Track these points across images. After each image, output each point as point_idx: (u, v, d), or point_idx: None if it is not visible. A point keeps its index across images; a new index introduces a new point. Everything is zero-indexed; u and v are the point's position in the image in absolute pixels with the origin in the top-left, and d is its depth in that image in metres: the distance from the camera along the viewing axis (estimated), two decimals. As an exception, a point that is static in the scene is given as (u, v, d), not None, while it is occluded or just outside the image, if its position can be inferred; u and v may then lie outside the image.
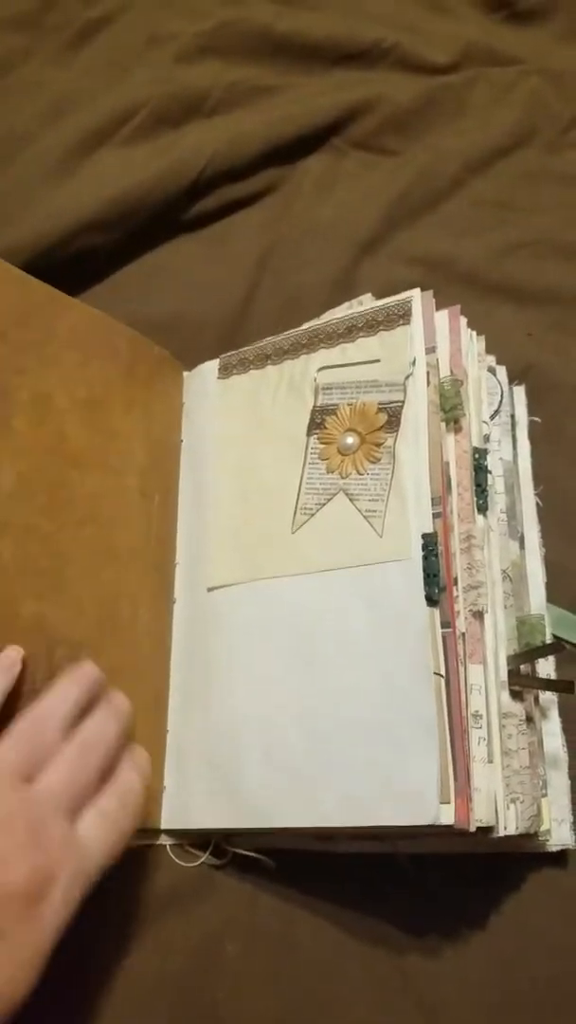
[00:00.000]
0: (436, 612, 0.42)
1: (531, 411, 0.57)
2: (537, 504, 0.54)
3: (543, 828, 0.45)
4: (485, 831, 0.40)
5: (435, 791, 0.39)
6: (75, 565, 0.45)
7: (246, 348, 0.53)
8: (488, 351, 0.52)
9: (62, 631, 0.43)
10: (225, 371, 0.54)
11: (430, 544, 0.43)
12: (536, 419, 0.56)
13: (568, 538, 0.54)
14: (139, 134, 0.63)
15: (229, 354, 0.54)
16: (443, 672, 0.41)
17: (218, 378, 0.54)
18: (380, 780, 0.41)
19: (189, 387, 0.56)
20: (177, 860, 0.48)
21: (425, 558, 0.43)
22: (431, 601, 0.42)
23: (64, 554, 0.44)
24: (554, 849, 0.46)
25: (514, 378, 0.56)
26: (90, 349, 0.48)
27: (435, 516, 0.44)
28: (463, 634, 0.43)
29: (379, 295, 0.60)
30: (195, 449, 0.54)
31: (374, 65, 0.69)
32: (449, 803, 0.39)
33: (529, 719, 0.46)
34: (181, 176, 0.61)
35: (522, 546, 0.51)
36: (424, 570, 0.42)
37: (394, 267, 0.62)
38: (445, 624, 0.42)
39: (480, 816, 0.40)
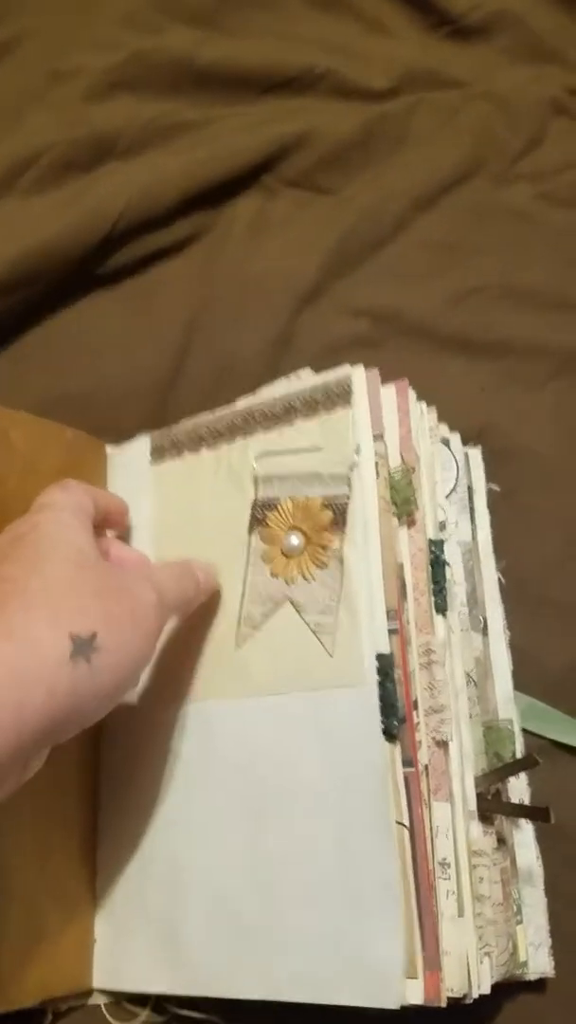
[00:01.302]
0: (396, 748, 0.37)
1: (488, 476, 0.52)
2: (499, 581, 0.49)
3: (520, 961, 0.41)
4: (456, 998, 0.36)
5: (400, 968, 0.34)
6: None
7: (177, 428, 0.47)
8: (440, 412, 0.47)
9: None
10: (158, 454, 0.48)
11: (386, 667, 0.38)
12: (494, 487, 0.51)
13: (532, 620, 0.49)
14: (43, 182, 0.56)
15: (161, 433, 0.48)
16: (406, 821, 0.36)
17: (151, 463, 0.48)
18: (337, 952, 0.35)
19: (114, 466, 0.50)
20: (113, 1021, 0.42)
21: (381, 684, 0.37)
22: (389, 736, 0.37)
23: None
24: (532, 979, 0.42)
25: (468, 439, 0.51)
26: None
27: (391, 632, 0.39)
28: (426, 767, 0.38)
29: (322, 353, 0.55)
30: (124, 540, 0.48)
31: (306, 93, 0.63)
32: (417, 978, 0.34)
33: (501, 840, 0.41)
34: (94, 227, 0.54)
35: (485, 633, 0.47)
36: (380, 699, 0.37)
37: (337, 321, 0.57)
38: (407, 762, 0.37)
39: (451, 985, 0.35)
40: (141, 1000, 0.42)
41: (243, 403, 0.46)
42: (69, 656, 0.29)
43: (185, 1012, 0.42)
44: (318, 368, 0.52)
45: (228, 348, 0.55)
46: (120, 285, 0.58)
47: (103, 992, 0.42)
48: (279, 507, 0.43)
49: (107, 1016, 0.42)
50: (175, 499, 0.46)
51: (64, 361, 0.55)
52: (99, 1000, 0.42)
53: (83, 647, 0.30)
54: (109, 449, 0.50)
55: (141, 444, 0.49)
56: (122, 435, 0.50)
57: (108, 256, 0.57)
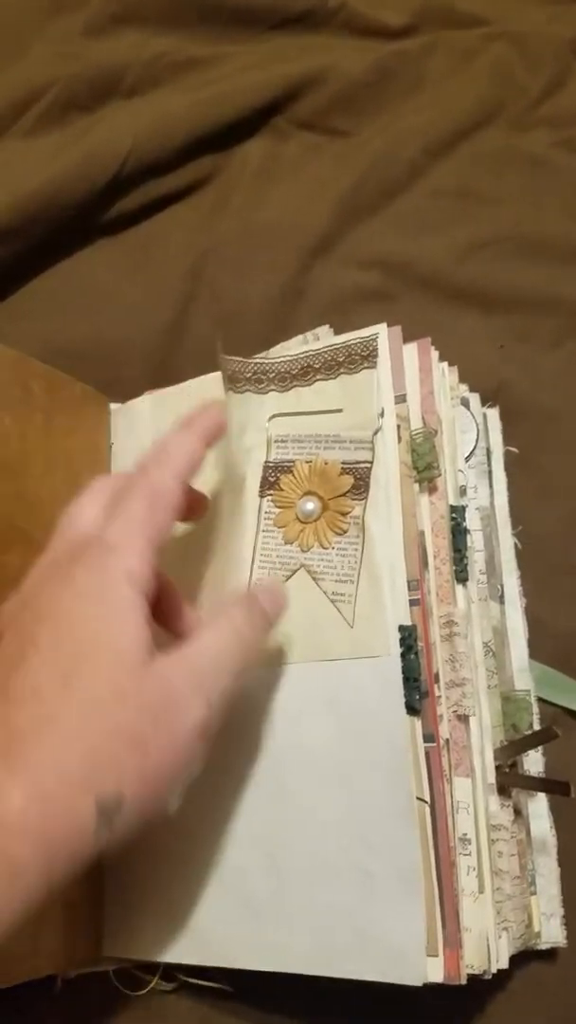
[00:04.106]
0: (418, 723, 0.36)
1: (505, 438, 0.50)
2: (515, 546, 0.48)
3: (534, 932, 0.40)
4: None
5: (421, 946, 0.33)
6: None
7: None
8: (458, 370, 0.45)
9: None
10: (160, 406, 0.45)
11: (409, 640, 0.36)
12: (513, 449, 0.50)
13: (546, 587, 0.48)
14: (44, 123, 0.53)
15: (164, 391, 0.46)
16: (428, 797, 0.35)
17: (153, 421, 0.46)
18: (352, 928, 0.35)
19: (117, 425, 0.48)
20: (122, 988, 0.42)
21: (404, 657, 0.36)
22: (412, 710, 0.36)
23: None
24: (544, 948, 0.41)
25: (486, 399, 0.50)
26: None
27: (413, 603, 0.37)
28: (447, 741, 0.37)
29: (332, 305, 0.53)
30: None
31: (319, 29, 0.60)
32: (437, 956, 0.34)
33: (517, 812, 0.41)
34: (97, 170, 0.52)
35: (501, 601, 0.46)
36: (403, 672, 0.36)
37: (347, 272, 0.54)
38: (428, 737, 0.36)
39: (471, 962, 0.34)
40: (150, 967, 0.42)
41: (256, 359, 0.44)
42: (94, 830, 0.27)
43: (194, 980, 0.41)
44: (327, 321, 0.51)
45: (234, 300, 0.53)
46: (123, 233, 0.55)
47: (112, 959, 0.42)
48: (294, 470, 0.41)
49: (116, 983, 0.42)
50: None
51: (64, 313, 0.52)
52: (108, 967, 0.42)
53: (108, 812, 0.27)
54: (112, 406, 0.48)
55: (146, 402, 0.47)
56: (124, 390, 0.48)
57: (112, 202, 0.54)
